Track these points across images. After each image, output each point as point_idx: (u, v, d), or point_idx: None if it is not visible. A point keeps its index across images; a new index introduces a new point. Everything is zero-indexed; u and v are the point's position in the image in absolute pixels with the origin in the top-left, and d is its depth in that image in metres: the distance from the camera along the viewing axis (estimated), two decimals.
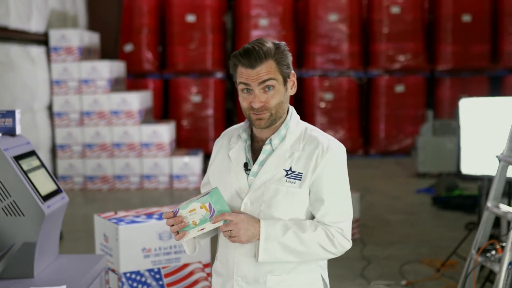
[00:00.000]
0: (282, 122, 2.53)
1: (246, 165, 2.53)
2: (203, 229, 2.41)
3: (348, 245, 2.49)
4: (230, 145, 2.61)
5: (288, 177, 2.47)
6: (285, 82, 2.47)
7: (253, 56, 2.40)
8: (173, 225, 2.40)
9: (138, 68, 12.81)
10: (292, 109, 2.58)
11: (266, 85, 2.42)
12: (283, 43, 2.51)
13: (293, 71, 2.52)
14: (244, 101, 2.47)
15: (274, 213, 2.47)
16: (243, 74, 2.43)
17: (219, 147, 2.67)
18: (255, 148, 2.57)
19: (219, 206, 2.38)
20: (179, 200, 9.12)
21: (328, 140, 2.51)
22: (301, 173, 2.47)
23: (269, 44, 2.45)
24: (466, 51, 12.87)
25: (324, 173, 2.46)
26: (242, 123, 2.65)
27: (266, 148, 2.52)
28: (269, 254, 2.43)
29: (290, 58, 2.50)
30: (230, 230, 2.39)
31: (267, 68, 2.41)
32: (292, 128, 2.53)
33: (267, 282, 2.50)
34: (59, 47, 10.13)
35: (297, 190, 2.46)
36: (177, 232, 2.41)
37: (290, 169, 2.47)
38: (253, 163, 2.53)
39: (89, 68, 10.15)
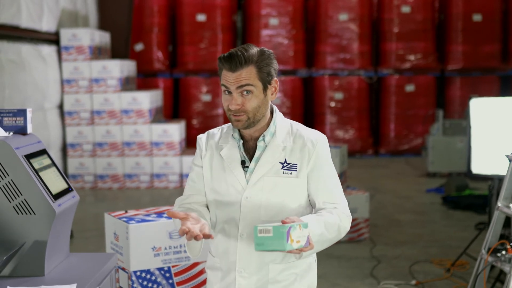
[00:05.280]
0: (270, 120, 2.65)
1: (243, 163, 2.63)
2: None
3: (350, 224, 2.63)
4: (220, 145, 2.69)
5: (284, 169, 2.60)
6: (264, 88, 2.56)
7: (235, 60, 2.50)
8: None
9: (149, 67, 12.84)
10: (275, 108, 2.70)
11: (243, 90, 2.52)
12: (270, 51, 2.60)
13: (275, 78, 2.61)
14: (224, 102, 2.59)
15: (274, 204, 2.57)
16: (224, 76, 2.54)
17: (208, 146, 2.71)
18: (246, 146, 2.67)
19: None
20: None
21: (314, 133, 2.67)
22: (296, 164, 2.60)
23: (254, 50, 2.54)
24: (476, 51, 12.83)
25: (318, 163, 2.61)
26: (222, 126, 2.77)
27: (260, 144, 2.63)
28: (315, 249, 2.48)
29: (274, 65, 2.59)
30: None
31: (246, 74, 2.51)
32: (280, 124, 2.66)
33: (270, 271, 2.61)
34: (70, 46, 10.16)
35: (294, 180, 2.59)
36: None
37: (285, 161, 2.60)
38: (248, 160, 2.64)
39: (100, 67, 10.18)
